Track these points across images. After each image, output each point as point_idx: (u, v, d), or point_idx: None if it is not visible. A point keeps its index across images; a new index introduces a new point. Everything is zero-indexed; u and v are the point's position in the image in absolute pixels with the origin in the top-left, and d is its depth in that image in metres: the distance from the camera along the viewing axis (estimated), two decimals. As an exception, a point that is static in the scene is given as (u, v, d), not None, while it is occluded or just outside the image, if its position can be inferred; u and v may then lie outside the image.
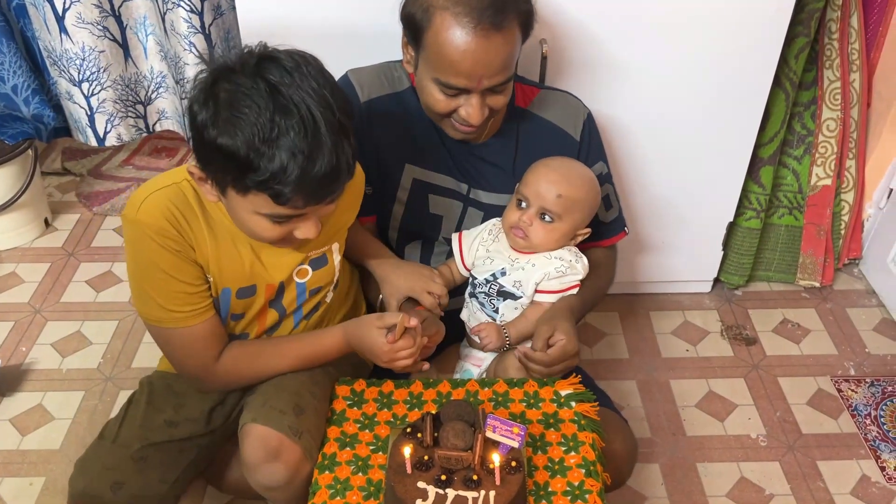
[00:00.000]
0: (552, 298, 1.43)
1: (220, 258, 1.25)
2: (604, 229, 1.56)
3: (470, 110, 1.31)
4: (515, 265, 1.42)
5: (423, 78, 1.33)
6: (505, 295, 1.43)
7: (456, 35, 1.23)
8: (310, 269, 1.33)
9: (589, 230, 1.45)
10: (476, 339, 1.44)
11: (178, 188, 1.22)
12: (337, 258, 1.37)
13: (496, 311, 1.44)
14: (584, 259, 1.45)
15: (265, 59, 1.06)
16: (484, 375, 1.46)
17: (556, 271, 1.41)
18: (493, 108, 1.34)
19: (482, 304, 1.46)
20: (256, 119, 1.02)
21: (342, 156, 1.06)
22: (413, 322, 1.24)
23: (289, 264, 1.30)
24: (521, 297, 1.42)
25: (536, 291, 1.42)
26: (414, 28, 1.29)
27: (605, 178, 1.54)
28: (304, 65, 1.07)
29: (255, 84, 1.04)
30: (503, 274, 1.42)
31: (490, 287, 1.44)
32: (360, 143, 1.39)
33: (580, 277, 1.43)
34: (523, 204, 1.39)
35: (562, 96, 1.53)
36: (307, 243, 1.27)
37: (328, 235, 1.32)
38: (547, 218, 1.38)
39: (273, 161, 1.03)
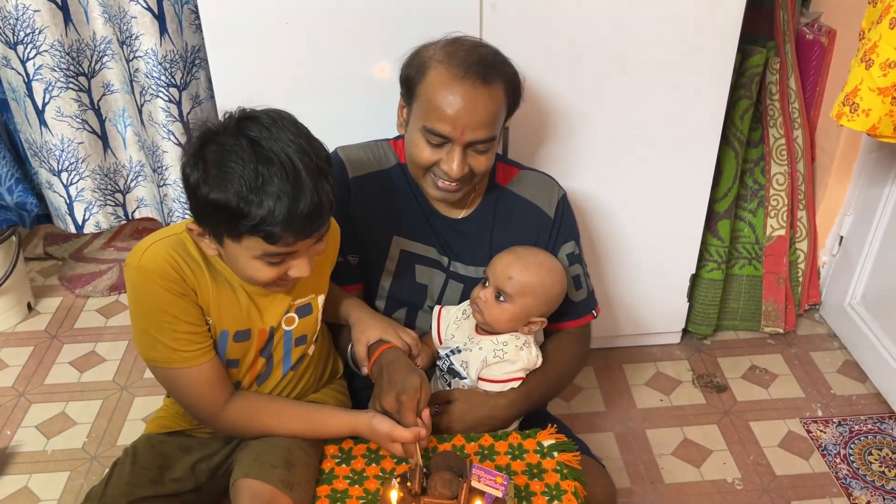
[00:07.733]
0: (495, 388, 1.44)
1: (220, 301, 1.31)
2: (571, 309, 1.57)
3: (451, 163, 1.38)
4: (468, 345, 1.47)
5: (411, 131, 1.42)
6: (453, 373, 1.48)
7: (445, 83, 1.34)
8: (297, 316, 1.40)
9: (544, 320, 1.47)
10: None
11: (178, 238, 1.30)
12: (321, 308, 1.44)
13: (448, 386, 1.50)
14: (534, 351, 1.47)
15: (244, 119, 1.17)
16: None
17: (494, 356, 1.43)
18: (474, 169, 1.41)
19: (439, 377, 1.52)
20: (242, 171, 1.12)
21: (323, 193, 1.16)
22: (423, 433, 1.29)
23: (280, 310, 1.37)
24: (465, 378, 1.46)
25: (480, 379, 1.45)
26: (410, 85, 1.41)
27: (576, 259, 1.58)
28: (279, 119, 1.17)
29: (238, 141, 1.14)
30: (458, 352, 1.48)
31: (443, 363, 1.50)
32: (349, 216, 1.48)
33: (520, 367, 1.44)
34: (486, 283, 1.46)
35: (538, 176, 1.61)
36: (300, 285, 1.36)
37: (313, 282, 1.40)
38: (501, 298, 1.44)
39: (261, 206, 1.12)
